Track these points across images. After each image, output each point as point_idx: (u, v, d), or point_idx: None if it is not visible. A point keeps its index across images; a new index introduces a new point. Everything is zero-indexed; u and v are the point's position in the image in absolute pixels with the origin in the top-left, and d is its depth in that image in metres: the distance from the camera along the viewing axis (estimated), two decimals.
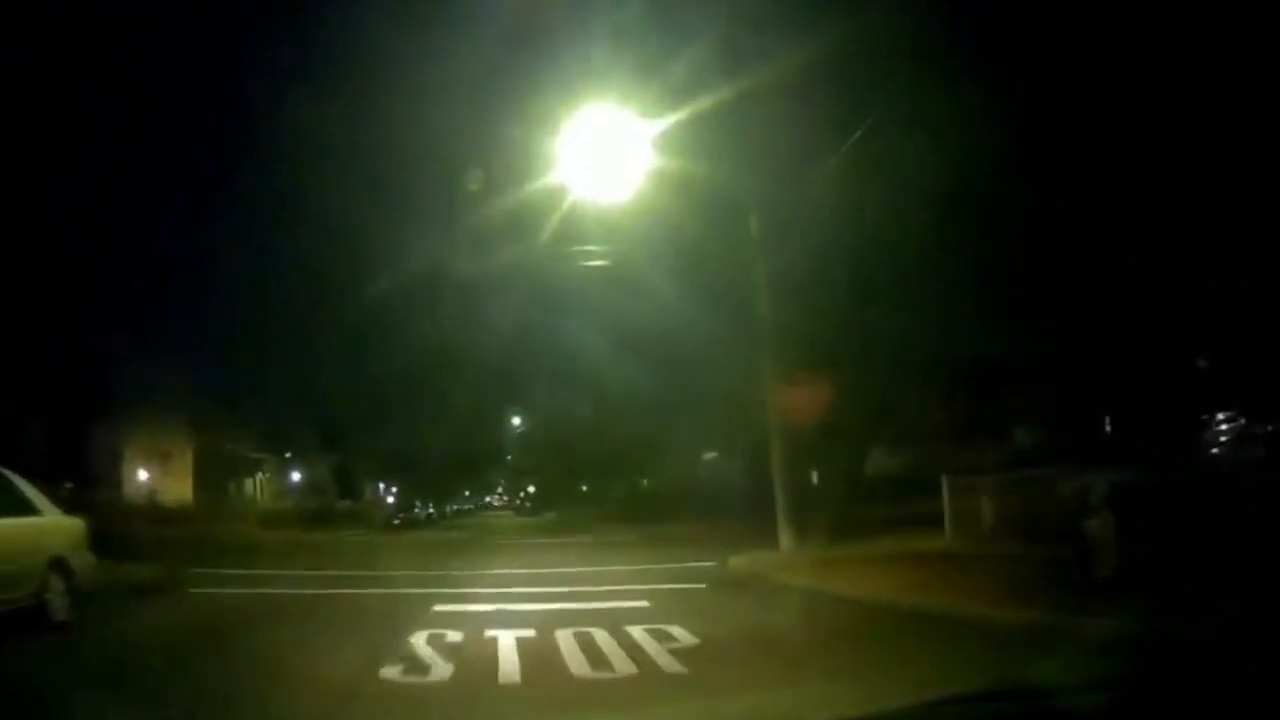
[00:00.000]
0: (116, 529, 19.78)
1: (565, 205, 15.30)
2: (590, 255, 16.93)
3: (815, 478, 15.48)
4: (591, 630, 8.05)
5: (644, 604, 10.09)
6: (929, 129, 13.91)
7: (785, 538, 15.26)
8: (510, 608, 10.06)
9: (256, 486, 48.58)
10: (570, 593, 11.40)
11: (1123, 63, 13.65)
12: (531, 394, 56.35)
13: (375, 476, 70.75)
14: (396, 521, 48.26)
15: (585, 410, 45.09)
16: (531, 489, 78.77)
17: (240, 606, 11.38)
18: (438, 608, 10.03)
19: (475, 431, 71.32)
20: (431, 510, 62.00)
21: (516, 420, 68.59)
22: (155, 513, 31.63)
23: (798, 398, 13.66)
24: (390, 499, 71.27)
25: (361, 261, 38.07)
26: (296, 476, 53.70)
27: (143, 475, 39.67)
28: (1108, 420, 27.78)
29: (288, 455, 53.82)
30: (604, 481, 51.36)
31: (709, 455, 38.49)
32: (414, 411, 64.38)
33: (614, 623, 8.42)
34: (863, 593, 9.95)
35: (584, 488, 57.28)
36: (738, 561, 14.70)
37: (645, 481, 48.02)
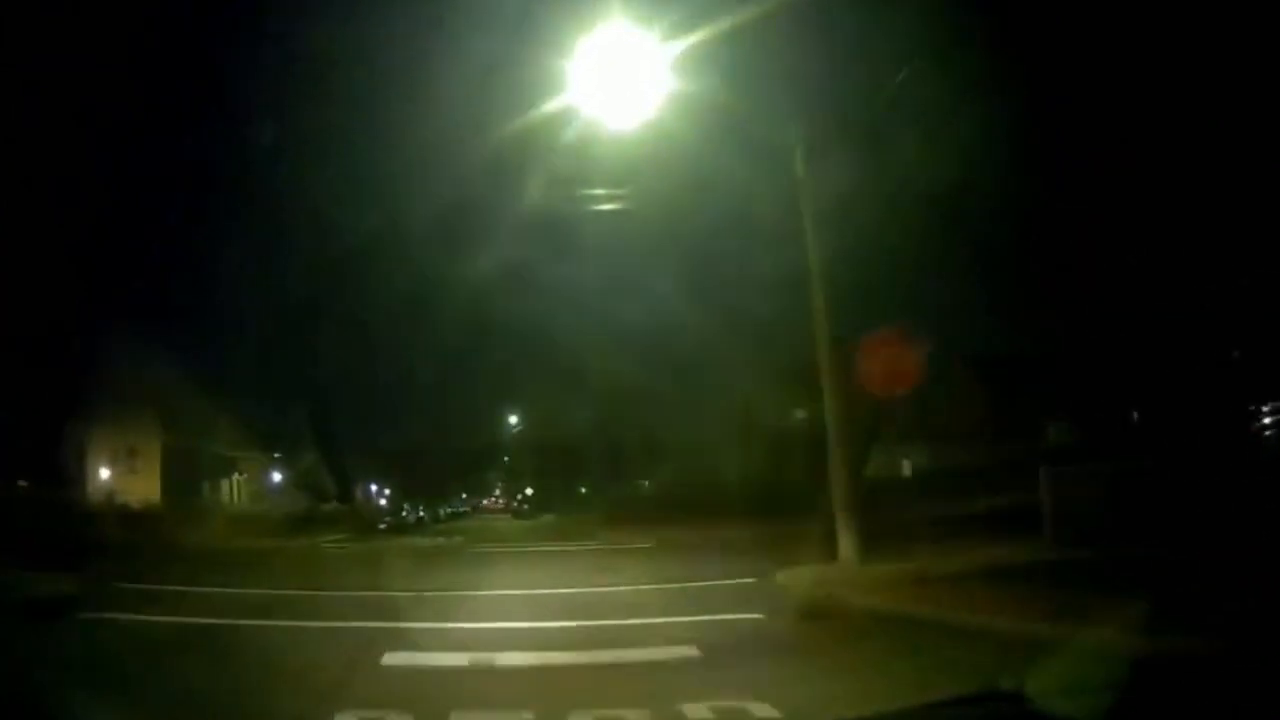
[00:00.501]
0: (59, 532, 17.16)
1: (577, 142, 12.62)
2: (603, 199, 13.87)
3: (907, 468, 12.21)
4: (625, 715, 4.91)
5: (691, 652, 6.89)
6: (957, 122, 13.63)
7: (845, 545, 12.13)
8: (496, 659, 6.84)
9: (233, 487, 45.23)
10: (582, 631, 8.11)
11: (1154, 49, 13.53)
12: (530, 392, 54.70)
13: (368, 477, 67.74)
14: (382, 526, 44.85)
15: (585, 409, 43.15)
16: (529, 490, 75.90)
17: (131, 643, 8.07)
18: (389, 659, 6.85)
19: (472, 431, 69.06)
20: (422, 513, 58.45)
21: (514, 420, 66.21)
22: (114, 515, 28.92)
23: (876, 361, 10.31)
24: (383, 501, 68.30)
25: (357, 253, 35.63)
26: (277, 477, 50.43)
27: (105, 474, 36.62)
28: (1135, 414, 28.21)
29: (276, 455, 50.84)
30: (604, 483, 48.91)
31: (718, 450, 35.58)
32: (410, 411, 62.03)
33: (658, 694, 5.30)
34: (1021, 627, 6.56)
35: (583, 489, 54.95)
36: (789, 578, 11.55)
37: (647, 483, 45.68)
